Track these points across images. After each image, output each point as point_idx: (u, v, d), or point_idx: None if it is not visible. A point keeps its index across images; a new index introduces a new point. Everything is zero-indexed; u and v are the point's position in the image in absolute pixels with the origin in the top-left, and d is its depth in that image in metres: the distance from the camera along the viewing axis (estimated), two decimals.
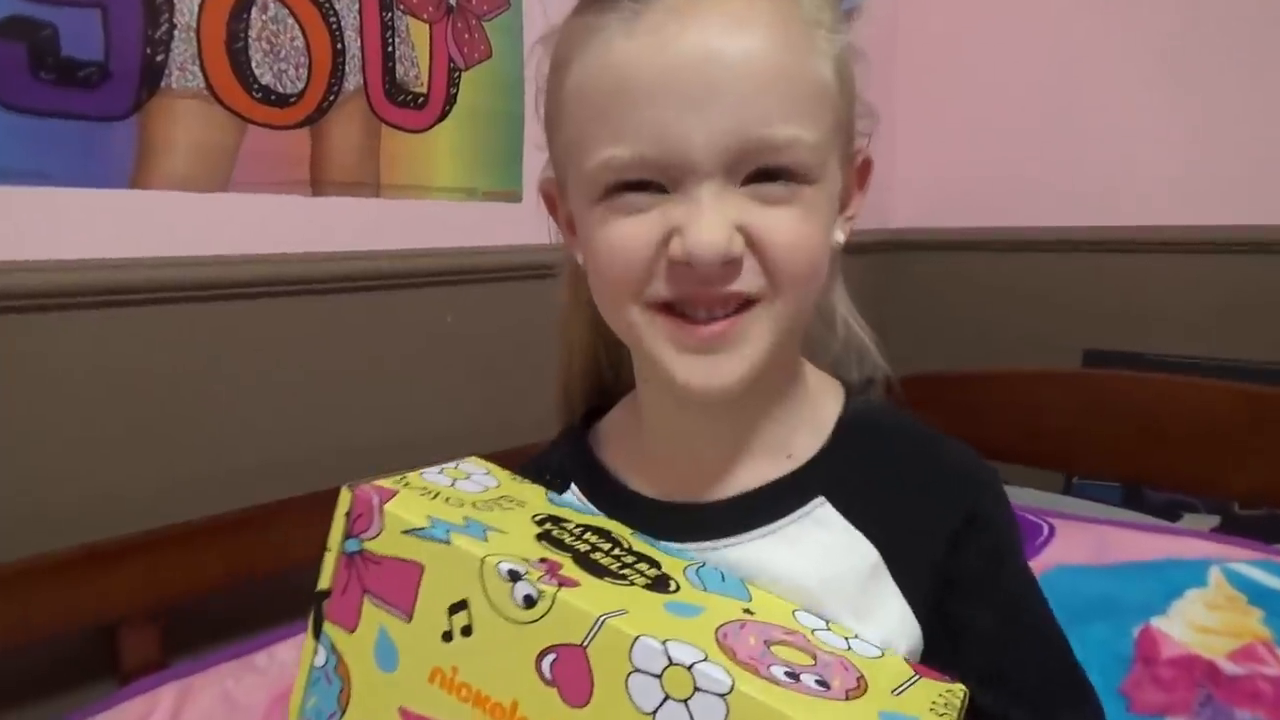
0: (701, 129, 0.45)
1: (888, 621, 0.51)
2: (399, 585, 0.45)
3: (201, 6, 0.97)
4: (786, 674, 0.39)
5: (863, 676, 0.41)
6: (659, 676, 0.38)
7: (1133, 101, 1.69)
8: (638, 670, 0.39)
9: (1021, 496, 1.40)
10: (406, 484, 0.49)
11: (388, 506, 0.46)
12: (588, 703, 0.39)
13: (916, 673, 0.42)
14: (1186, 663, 0.91)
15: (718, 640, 0.40)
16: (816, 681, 0.39)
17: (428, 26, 1.17)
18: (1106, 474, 1.60)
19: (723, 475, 0.54)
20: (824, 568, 0.50)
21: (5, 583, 0.88)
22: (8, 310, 0.88)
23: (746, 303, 0.48)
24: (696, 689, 0.37)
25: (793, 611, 0.46)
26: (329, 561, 0.48)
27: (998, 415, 1.62)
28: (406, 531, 0.45)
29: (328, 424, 1.13)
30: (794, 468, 0.53)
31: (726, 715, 0.37)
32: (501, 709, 0.42)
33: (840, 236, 0.54)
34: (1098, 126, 1.74)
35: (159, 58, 0.95)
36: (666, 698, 0.38)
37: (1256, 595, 0.97)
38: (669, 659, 0.38)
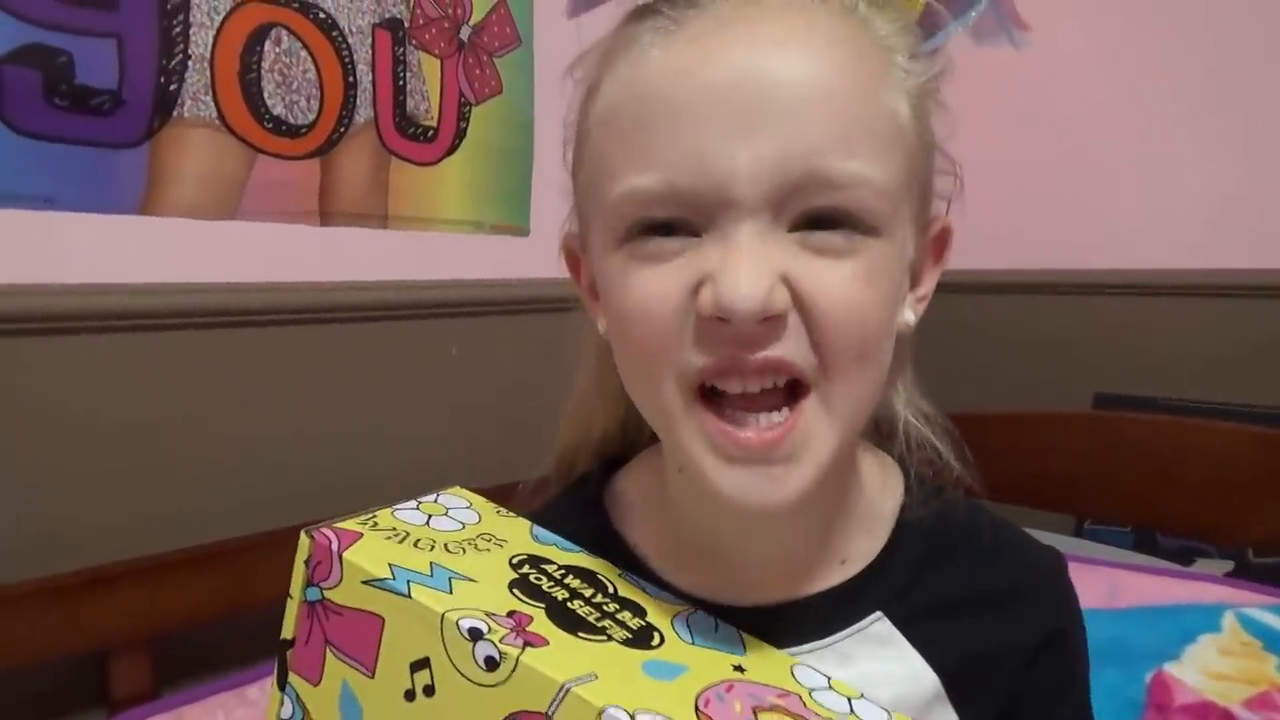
0: (745, 156, 0.37)
1: None
2: (360, 638, 0.42)
3: (216, 37, 0.99)
4: None
5: None
6: None
7: (1145, 149, 1.70)
8: None
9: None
10: (375, 524, 0.45)
11: (347, 554, 0.42)
12: None
13: None
14: (1201, 710, 0.89)
15: (697, 709, 0.36)
16: None
17: (439, 61, 1.18)
18: (1117, 518, 1.58)
19: (768, 580, 0.47)
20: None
21: None
22: (13, 334, 0.89)
23: (794, 388, 0.39)
24: None
25: (791, 667, 0.42)
26: (291, 610, 0.45)
27: (1007, 457, 1.59)
28: (366, 582, 0.41)
29: (329, 453, 1.13)
30: (848, 575, 0.46)
31: None
32: None
33: (911, 317, 0.45)
34: (1109, 173, 1.74)
35: (172, 87, 0.96)
36: None
37: (1272, 641, 0.95)
38: None
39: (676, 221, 0.39)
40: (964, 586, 0.47)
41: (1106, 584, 1.09)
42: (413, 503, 0.48)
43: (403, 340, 1.20)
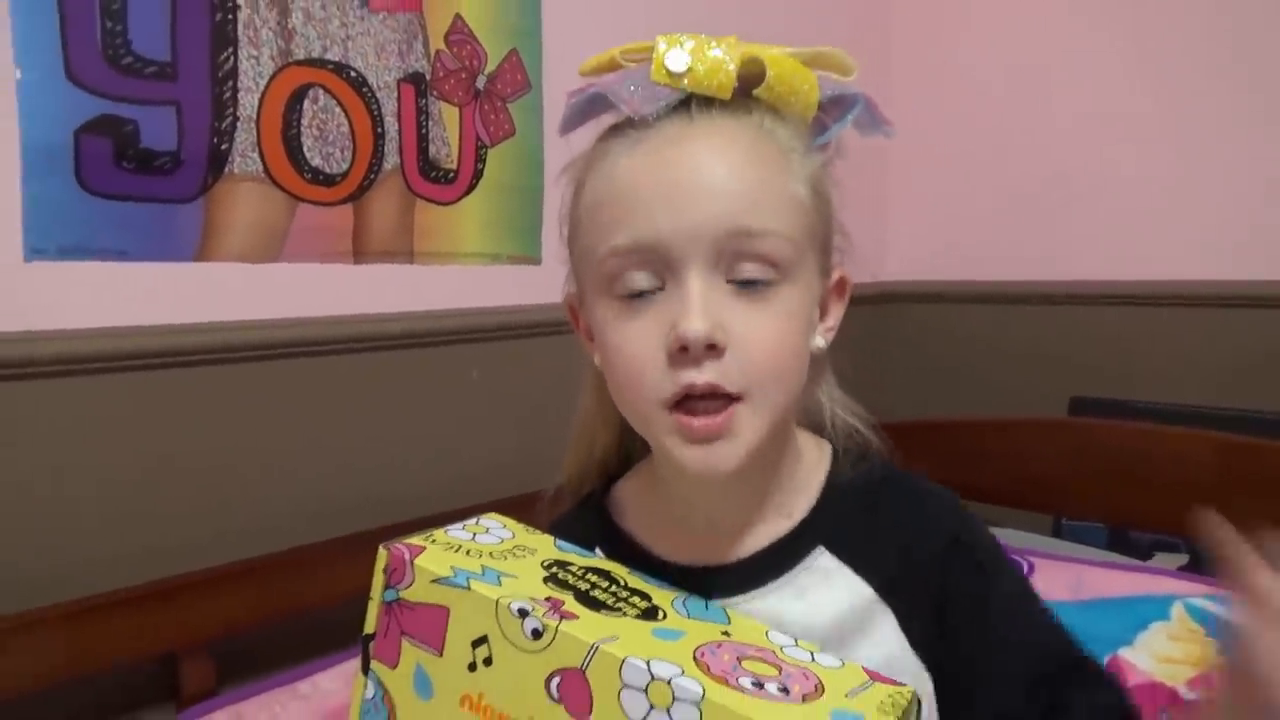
0: (686, 223, 0.52)
1: (885, 649, 0.57)
2: (430, 626, 0.53)
3: (261, 99, 1.10)
4: (753, 683, 0.46)
5: (820, 683, 0.48)
6: (644, 690, 0.46)
7: (1118, 168, 1.81)
8: (627, 686, 0.46)
9: (1006, 535, 1.49)
10: (433, 540, 0.57)
11: (417, 561, 0.54)
12: (589, 716, 0.47)
13: (871, 678, 0.50)
14: (1150, 690, 1.00)
15: (695, 658, 0.48)
16: (779, 689, 0.46)
17: (458, 109, 1.29)
18: (1091, 516, 1.68)
19: (735, 539, 0.60)
20: (829, 608, 0.57)
21: (79, 616, 0.98)
22: (96, 371, 1.00)
23: (734, 398, 0.53)
24: (675, 699, 0.45)
25: (765, 632, 0.54)
26: (372, 610, 0.56)
27: (988, 461, 1.71)
28: (434, 581, 0.53)
29: (366, 472, 1.23)
30: (792, 526, 0.60)
31: (700, 718, 0.45)
32: None
33: (821, 342, 0.59)
34: (1082, 186, 1.85)
35: (223, 146, 1.07)
36: (651, 707, 0.45)
37: (1215, 627, 1.06)
38: (651, 675, 0.45)
39: (647, 288, 0.54)
40: (885, 520, 0.60)
41: (1073, 578, 1.20)
42: (459, 525, 0.60)
43: (429, 365, 1.30)
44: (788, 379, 0.55)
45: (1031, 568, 1.25)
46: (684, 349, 0.52)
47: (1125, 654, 1.04)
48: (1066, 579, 1.21)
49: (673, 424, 0.54)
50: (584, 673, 0.47)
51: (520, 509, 0.66)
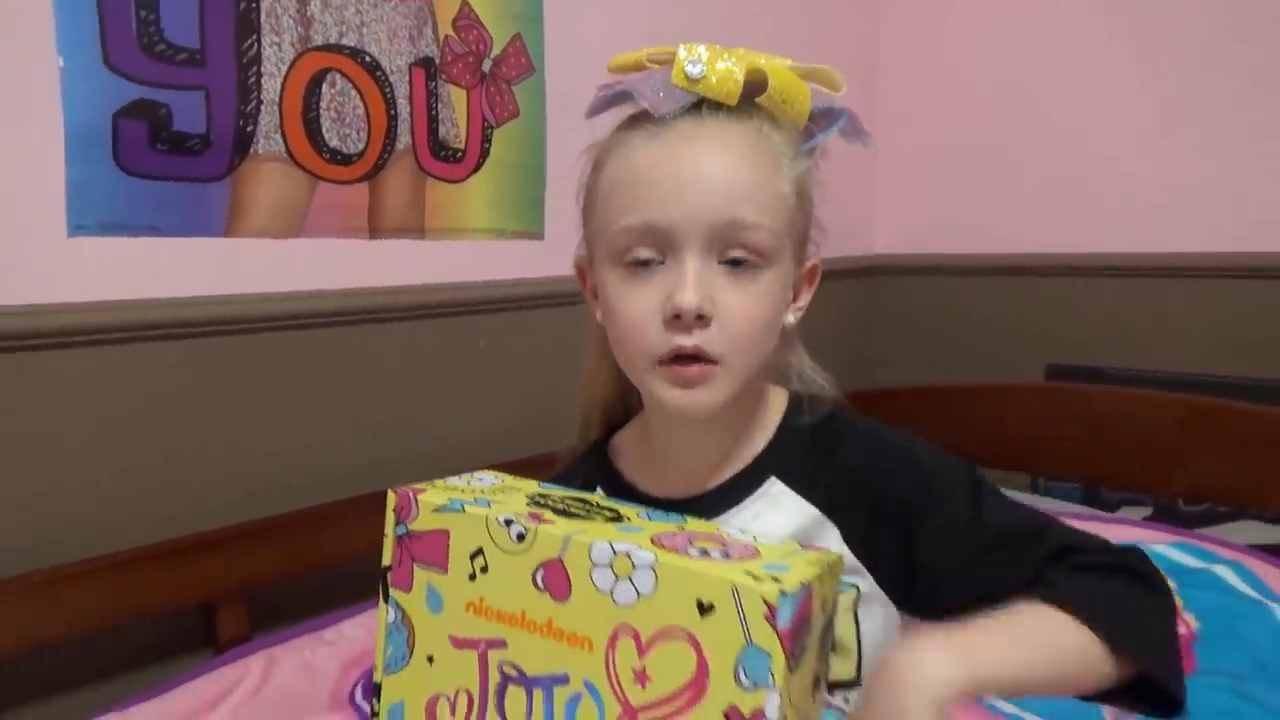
0: (691, 210, 0.60)
1: None
2: (435, 549, 0.62)
3: (283, 84, 1.16)
4: (699, 552, 0.56)
5: (758, 551, 0.57)
6: (610, 565, 0.55)
7: (1091, 145, 1.88)
8: (596, 565, 0.55)
9: None
10: (434, 485, 0.66)
11: (421, 497, 0.63)
12: (569, 596, 0.57)
13: (801, 547, 0.59)
14: None
15: (652, 540, 0.57)
16: (720, 554, 0.56)
17: (465, 92, 1.36)
18: (1066, 476, 1.78)
19: (707, 476, 0.70)
20: (783, 527, 0.66)
21: (124, 567, 1.06)
22: (134, 340, 1.07)
23: (714, 362, 0.62)
24: (634, 567, 0.54)
25: (717, 526, 0.63)
26: (387, 545, 0.64)
27: (968, 424, 1.80)
28: (435, 510, 0.62)
29: (381, 434, 1.31)
30: (750, 461, 0.69)
31: (656, 579, 0.54)
32: (515, 617, 0.59)
33: (791, 318, 0.69)
34: (1063, 164, 1.93)
35: (249, 128, 1.14)
36: (617, 578, 0.55)
37: (1171, 571, 1.14)
38: (614, 551, 0.55)
39: (651, 258, 0.62)
40: (825, 452, 0.68)
41: None
42: (456, 476, 0.69)
43: (439, 335, 1.38)
44: (760, 348, 0.65)
45: None
46: (677, 316, 0.61)
47: None
48: None
49: (663, 373, 0.63)
50: (562, 561, 0.57)
51: (525, 470, 0.73)
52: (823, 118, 0.67)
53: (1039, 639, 0.56)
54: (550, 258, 1.50)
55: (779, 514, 0.68)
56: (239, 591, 1.15)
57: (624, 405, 0.79)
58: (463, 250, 1.40)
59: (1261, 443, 1.43)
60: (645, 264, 0.63)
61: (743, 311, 0.62)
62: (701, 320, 0.61)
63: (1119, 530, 1.28)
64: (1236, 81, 1.71)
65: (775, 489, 0.68)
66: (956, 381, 1.95)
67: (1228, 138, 1.72)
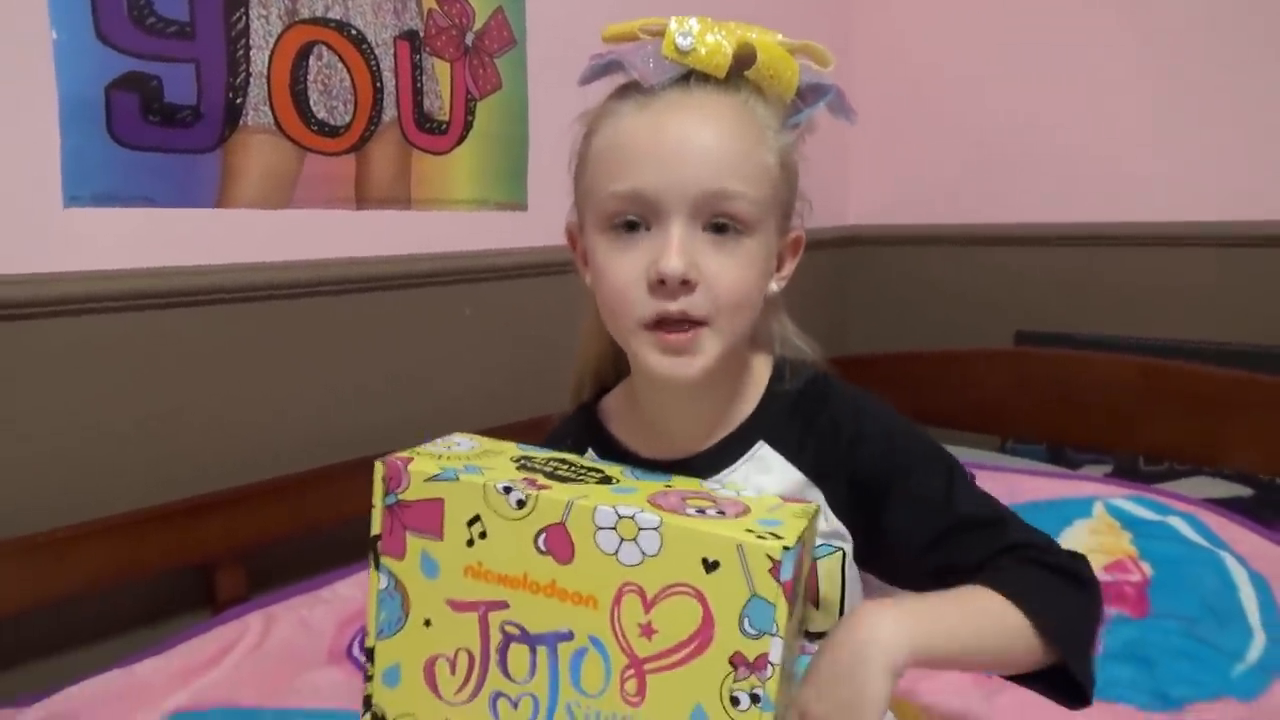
0: (676, 179, 0.62)
1: (818, 521, 0.68)
2: (429, 518, 0.63)
3: (271, 56, 1.18)
4: (696, 511, 0.59)
5: (748, 507, 0.60)
6: (614, 528, 0.58)
7: (1056, 116, 1.93)
8: (600, 528, 0.58)
9: (954, 453, 1.64)
10: (419, 453, 0.67)
11: (410, 467, 0.64)
12: (572, 559, 0.59)
13: (783, 501, 0.63)
14: None
15: (649, 501, 0.60)
16: (716, 513, 0.59)
17: (449, 64, 1.38)
18: (1033, 437, 1.84)
19: (695, 439, 0.72)
20: (771, 490, 0.68)
21: (125, 529, 1.09)
22: (129, 309, 1.09)
23: (700, 324, 0.64)
24: (640, 529, 0.57)
25: (700, 483, 0.66)
26: (375, 514, 0.66)
27: (940, 389, 1.86)
28: (427, 480, 0.63)
29: (369, 399, 1.35)
30: (738, 425, 0.71)
31: (661, 540, 0.57)
32: (517, 579, 0.61)
33: (775, 287, 0.70)
34: (1030, 136, 1.98)
35: (238, 100, 1.16)
36: (622, 540, 0.58)
37: (1128, 522, 1.21)
38: (618, 515, 0.57)
39: (637, 222, 0.63)
40: (809, 419, 0.71)
41: (1008, 486, 1.35)
42: (433, 443, 0.71)
43: (426, 303, 1.41)
44: (745, 312, 0.66)
45: (972, 479, 1.40)
46: (662, 282, 0.62)
47: None
48: (1003, 488, 1.34)
49: (649, 338, 0.64)
50: (565, 525, 0.59)
51: (512, 433, 0.76)
52: (811, 93, 0.68)
53: (985, 620, 0.61)
54: (533, 228, 1.53)
55: (768, 477, 0.70)
56: (236, 553, 1.19)
57: (615, 367, 0.81)
58: (448, 221, 1.43)
59: (1214, 402, 1.50)
60: (632, 229, 0.64)
61: (726, 276, 0.63)
62: (686, 285, 0.62)
63: (1079, 485, 1.34)
64: (1201, 53, 1.76)
65: (763, 452, 0.71)
66: (927, 347, 2.01)
67: (1187, 111, 1.78)
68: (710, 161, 0.63)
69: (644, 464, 0.72)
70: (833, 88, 0.69)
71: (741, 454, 0.71)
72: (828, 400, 0.72)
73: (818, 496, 0.69)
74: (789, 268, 0.72)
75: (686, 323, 0.63)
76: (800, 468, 0.70)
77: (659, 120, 0.64)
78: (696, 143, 0.63)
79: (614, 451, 0.75)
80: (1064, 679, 0.63)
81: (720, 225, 0.64)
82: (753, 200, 0.64)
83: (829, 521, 0.69)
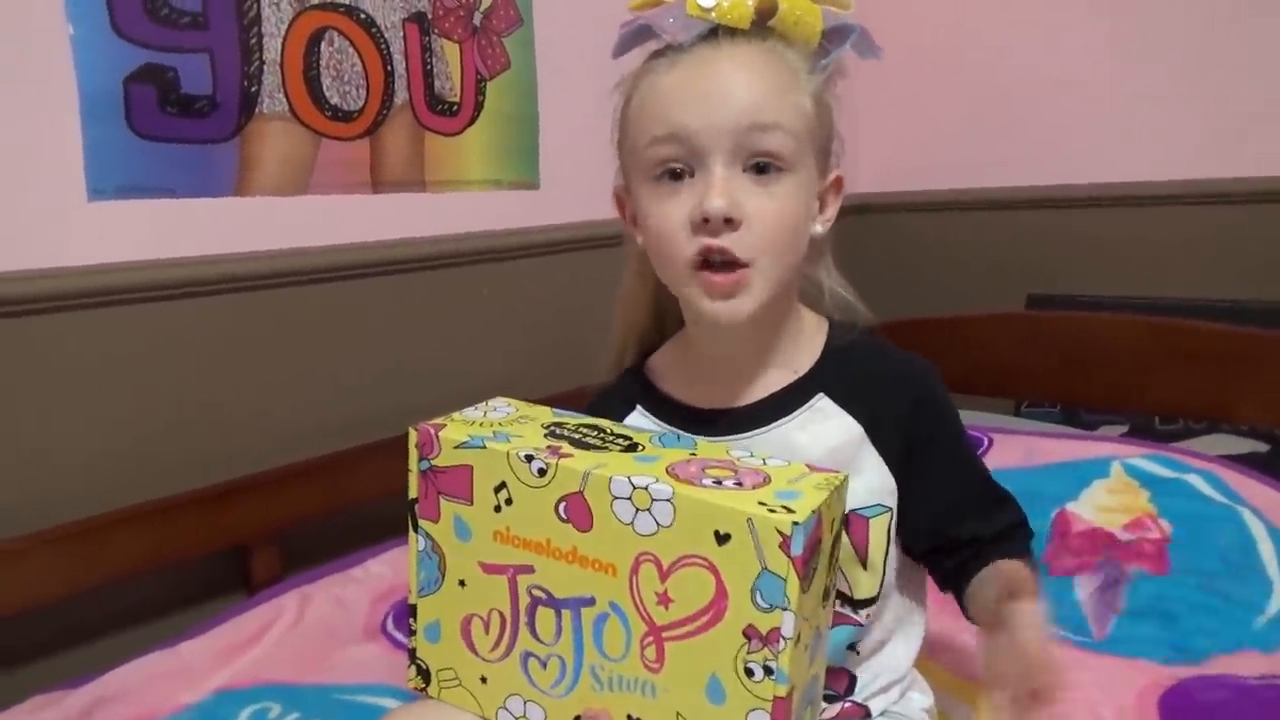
0: (713, 120, 0.65)
1: (871, 477, 0.70)
2: (460, 483, 0.66)
3: (283, 43, 1.19)
4: (713, 482, 0.59)
5: (769, 477, 0.61)
6: (630, 498, 0.59)
7: (1064, 78, 1.93)
8: (616, 498, 0.59)
9: (971, 417, 1.65)
10: (452, 419, 0.69)
11: (441, 434, 0.66)
12: (591, 527, 0.61)
13: (810, 469, 0.62)
14: (1091, 535, 1.17)
15: (667, 471, 0.60)
16: (734, 484, 0.59)
17: (458, 45, 1.39)
18: (1045, 399, 1.85)
19: (750, 387, 0.73)
20: (828, 440, 0.70)
21: (161, 514, 1.11)
22: (155, 299, 1.11)
23: (744, 265, 0.66)
24: (653, 500, 0.58)
25: (728, 450, 0.66)
26: (412, 479, 0.68)
27: (953, 353, 1.85)
28: (456, 446, 0.65)
29: (395, 381, 1.36)
30: (797, 377, 0.73)
31: (674, 511, 0.58)
32: (541, 545, 0.63)
33: (819, 228, 0.72)
34: (1038, 99, 1.97)
35: (253, 89, 1.17)
36: (637, 510, 0.59)
37: (1145, 481, 1.23)
38: (633, 486, 0.59)
39: (680, 169, 0.66)
40: (871, 376, 0.73)
41: (1025, 449, 1.36)
42: (473, 407, 0.74)
43: (444, 285, 1.42)
44: (789, 251, 0.69)
45: (991, 442, 1.41)
46: (706, 220, 0.65)
47: (1071, 508, 1.21)
48: (1020, 450, 1.37)
49: (699, 280, 0.67)
50: (583, 494, 0.61)
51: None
52: (835, 35, 0.70)
53: None
54: (545, 206, 1.54)
55: (826, 427, 0.72)
56: (271, 534, 1.21)
57: (659, 330, 0.83)
58: (462, 202, 1.44)
59: (1227, 359, 1.50)
60: (676, 178, 0.67)
61: (769, 213, 0.66)
62: (730, 224, 0.65)
63: (1096, 445, 1.35)
64: (1202, 10, 1.75)
65: (823, 404, 0.72)
66: (940, 313, 2.01)
67: (1191, 68, 1.77)
68: (744, 100, 0.65)
69: (699, 416, 0.73)
70: (856, 27, 0.70)
71: (801, 404, 0.73)
72: (885, 355, 0.75)
73: (870, 450, 0.72)
74: (832, 210, 0.74)
75: (732, 264, 0.65)
76: (859, 420, 0.72)
77: (692, 72, 0.67)
78: (730, 85, 0.66)
79: (665, 405, 0.77)
80: None
81: (761, 165, 0.66)
82: (789, 132, 0.66)
83: (881, 476, 0.72)
